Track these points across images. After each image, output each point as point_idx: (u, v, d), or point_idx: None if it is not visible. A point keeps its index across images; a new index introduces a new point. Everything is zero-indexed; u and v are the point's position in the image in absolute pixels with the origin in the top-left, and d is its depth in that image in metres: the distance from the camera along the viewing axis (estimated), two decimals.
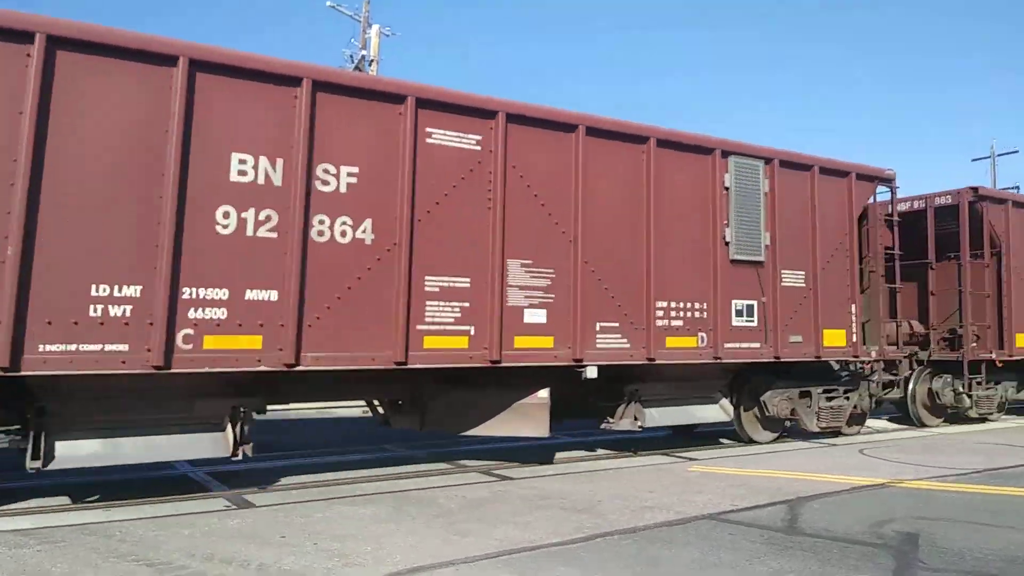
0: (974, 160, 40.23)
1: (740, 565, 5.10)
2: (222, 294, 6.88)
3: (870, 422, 13.13)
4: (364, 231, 7.61)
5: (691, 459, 9.76)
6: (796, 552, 5.42)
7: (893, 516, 6.51)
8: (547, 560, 5.21)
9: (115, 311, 6.44)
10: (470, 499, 7.16)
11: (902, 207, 13.49)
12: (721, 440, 11.70)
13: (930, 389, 13.66)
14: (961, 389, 13.57)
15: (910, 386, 13.49)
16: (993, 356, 13.66)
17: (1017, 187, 26.35)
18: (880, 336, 12.02)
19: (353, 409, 14.25)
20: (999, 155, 34.56)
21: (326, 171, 7.45)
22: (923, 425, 13.60)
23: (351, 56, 23.34)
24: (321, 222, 7.38)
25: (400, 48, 68.42)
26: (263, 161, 7.15)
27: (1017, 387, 14.55)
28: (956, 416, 14.00)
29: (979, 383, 13.67)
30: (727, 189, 10.21)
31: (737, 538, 5.80)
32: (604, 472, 8.71)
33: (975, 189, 13.80)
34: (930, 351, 13.75)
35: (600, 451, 10.63)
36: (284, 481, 8.12)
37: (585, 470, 8.87)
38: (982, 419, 14.18)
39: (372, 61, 21.29)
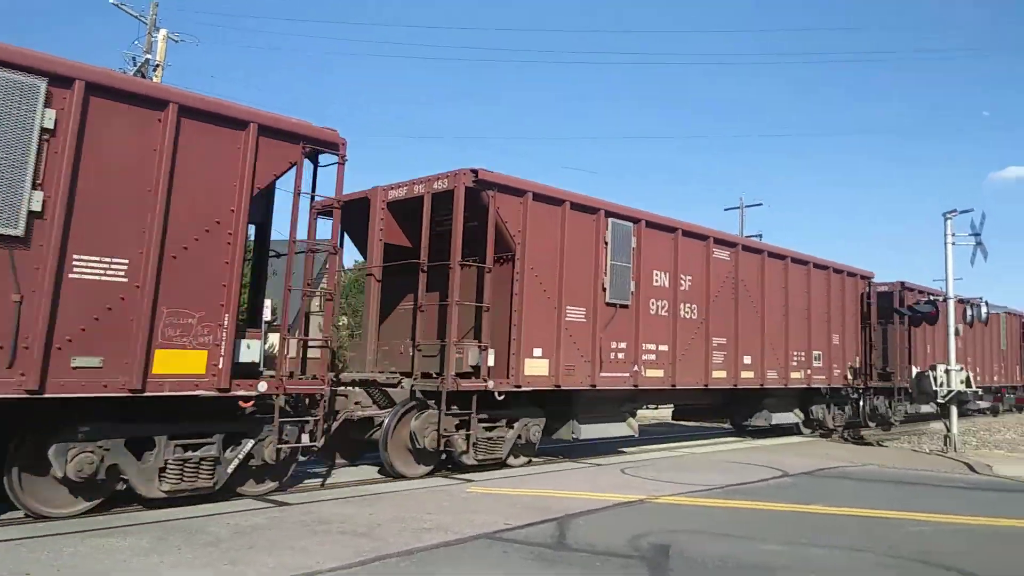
0: (726, 210, 44.71)
1: None
2: None
3: None
4: None
5: (469, 480, 10.03)
6: (563, 566, 5.78)
7: (649, 530, 7.12)
8: None
9: None
10: (243, 526, 6.87)
11: (399, 192, 11.58)
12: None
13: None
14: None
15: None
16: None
17: (760, 235, 29.65)
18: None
19: None
20: (747, 206, 38.81)
21: None
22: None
23: (133, 58, 21.68)
24: None
25: (193, 55, 64.44)
26: None
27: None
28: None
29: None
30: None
31: (510, 555, 6.08)
32: (384, 495, 8.72)
33: (475, 171, 10.55)
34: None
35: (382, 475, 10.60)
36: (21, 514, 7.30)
37: (365, 494, 8.81)
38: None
39: (158, 66, 19.81)
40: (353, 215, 11.55)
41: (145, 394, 7.21)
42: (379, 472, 10.31)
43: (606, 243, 12.14)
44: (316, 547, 6.15)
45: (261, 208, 9.19)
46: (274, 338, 8.76)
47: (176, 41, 23.46)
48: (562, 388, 11.35)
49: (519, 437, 11.17)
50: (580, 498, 8.70)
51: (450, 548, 6.26)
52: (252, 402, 8.20)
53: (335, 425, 9.92)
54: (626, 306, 12.41)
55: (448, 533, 6.75)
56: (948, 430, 15.74)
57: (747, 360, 14.95)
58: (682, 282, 13.55)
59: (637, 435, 13.14)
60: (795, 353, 16.36)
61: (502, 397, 10.56)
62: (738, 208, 38.28)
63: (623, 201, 13.07)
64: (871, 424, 19.20)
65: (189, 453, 7.75)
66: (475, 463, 10.52)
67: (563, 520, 7.44)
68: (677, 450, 14.46)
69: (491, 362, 10.51)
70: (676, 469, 11.56)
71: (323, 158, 9.15)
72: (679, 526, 7.40)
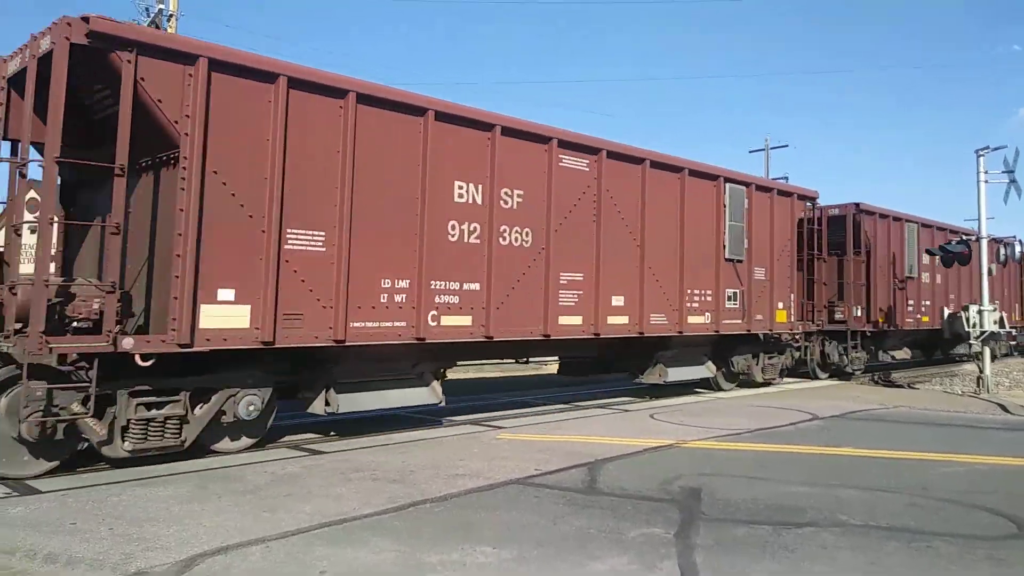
0: (751, 152, 44.26)
1: (545, 526, 5.43)
2: None
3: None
4: None
5: (499, 427, 10.13)
6: (595, 511, 5.84)
7: (679, 473, 7.17)
8: (360, 531, 5.27)
9: None
10: (280, 474, 7.03)
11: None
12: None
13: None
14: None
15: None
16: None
17: (786, 177, 29.28)
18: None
19: None
20: (772, 148, 38.12)
21: None
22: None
23: (146, 9, 21.41)
24: None
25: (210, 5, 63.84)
26: None
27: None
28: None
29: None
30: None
31: (542, 500, 6.15)
32: (416, 443, 8.84)
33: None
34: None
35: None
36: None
37: (397, 441, 8.95)
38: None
39: (171, 16, 19.47)
40: None
41: None
42: None
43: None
44: (351, 494, 6.27)
45: None
46: None
47: None
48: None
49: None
50: (610, 443, 8.76)
51: (483, 494, 6.36)
52: None
53: None
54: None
55: (480, 479, 6.84)
56: (981, 371, 15.58)
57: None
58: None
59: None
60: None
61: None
62: (763, 150, 37.64)
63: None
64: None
65: None
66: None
67: (593, 465, 7.51)
68: (710, 395, 14.51)
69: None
70: (705, 414, 11.59)
71: None
72: (709, 470, 7.44)
